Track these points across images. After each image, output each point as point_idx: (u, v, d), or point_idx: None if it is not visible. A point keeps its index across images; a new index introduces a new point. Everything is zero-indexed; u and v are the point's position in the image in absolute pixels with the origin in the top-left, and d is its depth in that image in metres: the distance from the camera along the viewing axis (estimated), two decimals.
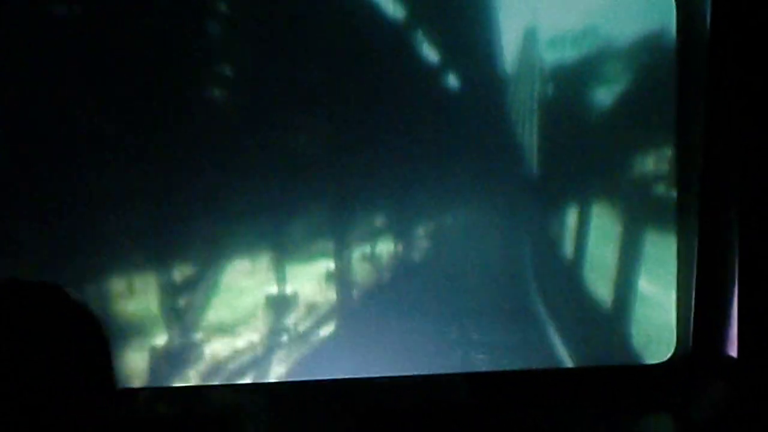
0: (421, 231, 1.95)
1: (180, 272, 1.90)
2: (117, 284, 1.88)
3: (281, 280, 1.91)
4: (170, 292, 1.90)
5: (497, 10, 1.87)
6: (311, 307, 1.94)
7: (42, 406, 0.93)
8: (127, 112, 1.84)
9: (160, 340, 1.91)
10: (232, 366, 1.93)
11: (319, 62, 1.83)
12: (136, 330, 1.89)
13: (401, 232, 1.95)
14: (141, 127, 1.83)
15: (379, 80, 1.84)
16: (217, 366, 1.92)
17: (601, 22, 1.86)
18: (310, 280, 1.93)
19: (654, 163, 1.92)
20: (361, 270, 1.94)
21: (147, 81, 1.81)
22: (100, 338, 1.00)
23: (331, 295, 1.93)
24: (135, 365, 1.89)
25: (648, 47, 1.87)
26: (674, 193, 1.90)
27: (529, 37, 1.87)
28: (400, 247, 1.94)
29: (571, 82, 1.91)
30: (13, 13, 1.77)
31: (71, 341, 0.97)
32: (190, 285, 1.90)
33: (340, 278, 1.93)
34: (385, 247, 1.95)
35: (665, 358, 1.95)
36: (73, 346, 0.97)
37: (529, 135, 1.92)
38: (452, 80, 1.90)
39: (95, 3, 1.82)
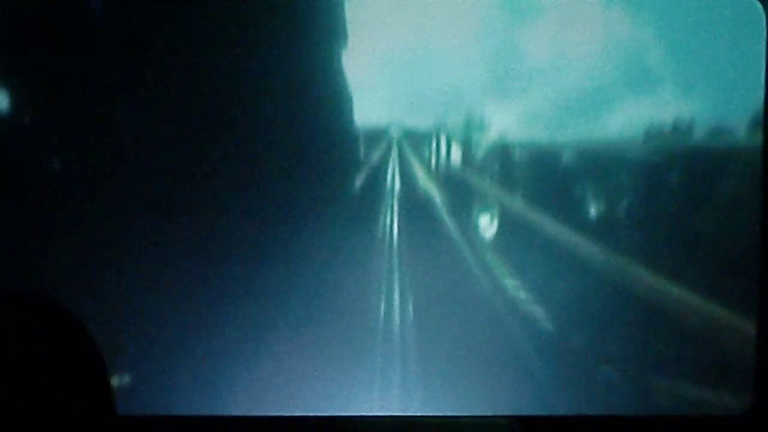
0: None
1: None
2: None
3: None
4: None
5: None
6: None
7: None
8: None
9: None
10: (240, 395, 1.75)
11: None
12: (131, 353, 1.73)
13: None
14: None
15: None
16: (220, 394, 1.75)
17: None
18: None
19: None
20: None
21: None
22: (97, 360, 0.87)
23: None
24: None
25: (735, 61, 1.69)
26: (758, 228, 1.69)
27: None
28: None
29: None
30: None
31: (67, 363, 0.84)
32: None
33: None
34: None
35: (743, 410, 1.72)
36: (69, 369, 0.84)
37: None
38: None
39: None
